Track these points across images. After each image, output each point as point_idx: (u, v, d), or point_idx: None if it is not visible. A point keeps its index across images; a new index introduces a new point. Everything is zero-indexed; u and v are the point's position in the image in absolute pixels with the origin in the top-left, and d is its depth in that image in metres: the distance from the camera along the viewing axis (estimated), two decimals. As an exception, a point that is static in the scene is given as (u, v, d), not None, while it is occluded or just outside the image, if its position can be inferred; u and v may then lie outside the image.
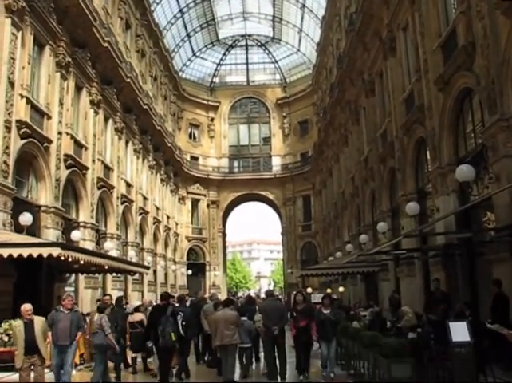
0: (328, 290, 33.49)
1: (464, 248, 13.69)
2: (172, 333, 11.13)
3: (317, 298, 27.31)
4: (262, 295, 35.19)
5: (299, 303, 12.82)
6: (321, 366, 12.48)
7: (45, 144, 19.67)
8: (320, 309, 12.63)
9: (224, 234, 57.30)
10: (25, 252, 12.70)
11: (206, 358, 15.39)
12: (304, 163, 53.24)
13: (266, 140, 57.16)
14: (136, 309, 15.04)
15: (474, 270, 13.76)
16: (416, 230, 16.50)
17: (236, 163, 56.40)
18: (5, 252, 12.69)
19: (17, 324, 9.91)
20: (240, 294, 57.87)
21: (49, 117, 20.26)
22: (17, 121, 17.48)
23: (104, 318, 11.34)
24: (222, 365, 11.91)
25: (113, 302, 14.80)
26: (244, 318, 12.90)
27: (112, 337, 11.27)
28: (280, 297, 47.99)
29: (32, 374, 9.72)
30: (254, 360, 14.38)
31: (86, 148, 24.18)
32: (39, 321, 9.80)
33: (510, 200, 11.25)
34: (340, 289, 32.15)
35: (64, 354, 10.52)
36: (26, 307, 9.77)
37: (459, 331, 8.55)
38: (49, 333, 10.53)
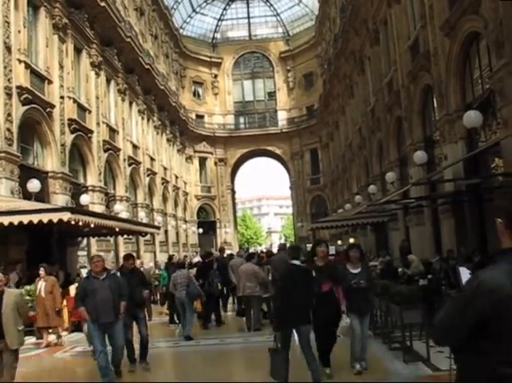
0: (339, 242, 33.60)
1: (473, 194, 13.63)
2: (219, 284, 13.76)
3: (331, 249, 27.40)
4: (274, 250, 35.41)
5: (320, 258, 8.15)
6: (352, 354, 8.17)
7: (48, 109, 19.53)
8: (346, 267, 8.35)
9: (233, 191, 57.40)
10: (36, 218, 12.72)
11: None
12: (310, 116, 52.86)
13: (271, 95, 56.65)
14: (195, 265, 17.25)
15: (483, 216, 13.73)
16: (425, 179, 16.41)
17: (242, 120, 56.04)
18: (16, 219, 12.71)
19: None
20: (252, 250, 58.30)
21: (50, 82, 20.07)
22: (17, 87, 17.32)
23: (191, 272, 13.49)
24: (246, 314, 13.02)
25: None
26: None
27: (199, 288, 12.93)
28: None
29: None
30: None
31: (90, 112, 24.03)
32: (11, 296, 7.32)
33: (518, 145, 11.10)
34: (351, 240, 32.18)
35: (111, 334, 8.25)
36: None
37: (468, 276, 8.54)
38: (82, 310, 8.23)
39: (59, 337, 12.67)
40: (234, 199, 58.36)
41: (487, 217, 13.43)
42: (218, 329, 13.67)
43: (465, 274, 8.19)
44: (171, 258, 19.80)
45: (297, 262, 7.63)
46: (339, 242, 33.39)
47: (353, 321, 8.10)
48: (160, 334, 13.61)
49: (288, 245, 22.60)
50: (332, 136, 45.00)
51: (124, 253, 26.57)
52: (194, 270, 15.72)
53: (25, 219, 12.71)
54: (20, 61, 17.72)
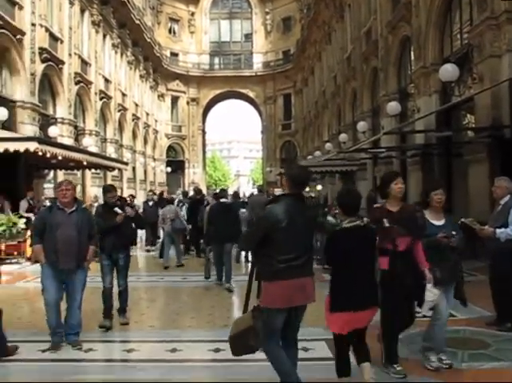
0: (307, 189, 33.82)
1: (443, 147, 13.82)
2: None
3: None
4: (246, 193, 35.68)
5: (393, 198, 5.32)
6: (429, 342, 5.52)
7: (18, 36, 18.92)
8: (423, 216, 5.50)
9: (204, 132, 57.00)
10: (1, 147, 12.48)
11: None
12: (286, 60, 52.22)
13: (248, 37, 55.63)
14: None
15: (451, 170, 13.97)
16: (396, 128, 16.54)
17: (217, 60, 55.12)
18: (-19, 147, 12.46)
19: None
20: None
21: (21, 7, 19.37)
22: (-13, 11, 16.73)
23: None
24: None
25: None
26: (243, 210, 14.80)
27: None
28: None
29: None
30: None
31: (62, 42, 23.35)
32: None
33: (491, 101, 11.23)
34: (319, 187, 32.56)
35: (69, 286, 6.33)
36: None
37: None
38: (38, 248, 6.28)
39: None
40: (204, 139, 57.98)
41: (455, 171, 13.69)
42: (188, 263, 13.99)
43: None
44: (162, 194, 20.22)
45: (224, 200, 10.99)
46: (306, 189, 33.62)
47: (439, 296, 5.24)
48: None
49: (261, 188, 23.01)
50: (306, 82, 44.73)
51: (90, 188, 26.48)
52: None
53: (-9, 146, 12.46)
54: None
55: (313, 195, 26.48)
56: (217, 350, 6.02)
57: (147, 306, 9.21)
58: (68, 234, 6.14)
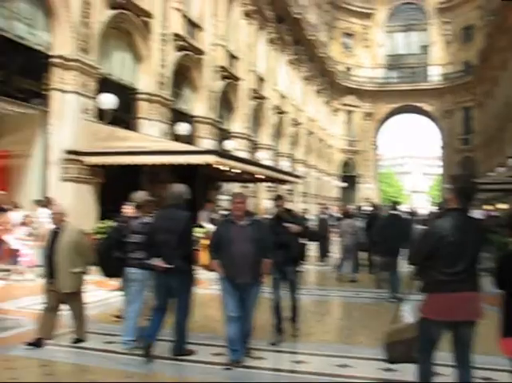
0: (489, 207, 31.73)
1: None
2: None
3: (475, 214, 26.00)
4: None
5: None
6: None
7: (199, 56, 20.02)
8: None
9: (376, 147, 56.12)
10: (184, 160, 12.98)
11: None
12: (466, 72, 49.73)
13: (424, 49, 53.99)
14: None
15: None
16: None
17: (392, 74, 54.15)
18: (166, 159, 13.13)
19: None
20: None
21: (202, 29, 20.47)
22: (173, 34, 17.90)
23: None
24: None
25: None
26: (421, 227, 15.23)
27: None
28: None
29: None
30: None
31: (239, 60, 24.31)
32: (72, 233, 6.48)
33: None
34: (503, 206, 30.25)
35: (245, 298, 6.09)
36: (57, 209, 6.76)
37: None
38: (216, 263, 6.11)
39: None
40: (376, 154, 57.06)
41: None
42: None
43: None
44: (341, 208, 20.42)
45: (394, 211, 11.03)
46: (486, 207, 31.53)
47: None
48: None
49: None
50: (488, 94, 42.19)
51: (263, 200, 27.08)
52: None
53: (174, 159, 13.06)
54: (176, 10, 18.14)
55: (496, 214, 24.67)
56: (387, 370, 5.76)
57: (318, 319, 9.14)
58: (242, 248, 5.96)
